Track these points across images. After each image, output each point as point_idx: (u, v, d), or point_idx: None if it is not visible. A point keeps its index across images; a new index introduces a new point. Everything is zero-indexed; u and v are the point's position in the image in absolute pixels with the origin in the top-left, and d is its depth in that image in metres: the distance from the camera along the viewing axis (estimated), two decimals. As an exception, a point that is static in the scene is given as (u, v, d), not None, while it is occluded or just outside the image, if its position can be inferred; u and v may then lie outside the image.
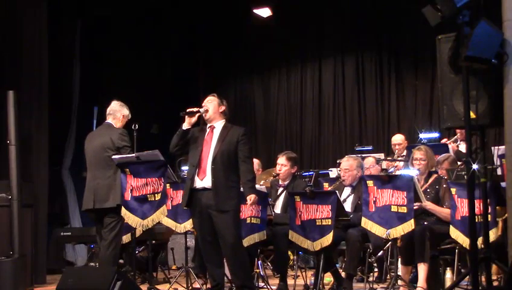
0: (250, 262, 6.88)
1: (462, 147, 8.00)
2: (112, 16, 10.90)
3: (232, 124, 6.18)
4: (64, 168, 10.52)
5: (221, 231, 5.82)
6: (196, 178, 5.94)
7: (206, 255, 6.10)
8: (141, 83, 11.59)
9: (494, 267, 5.94)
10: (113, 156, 6.36)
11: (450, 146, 8.03)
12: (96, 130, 6.88)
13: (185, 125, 6.05)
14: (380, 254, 6.67)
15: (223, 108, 6.13)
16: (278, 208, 7.10)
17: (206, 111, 6.06)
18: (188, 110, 6.07)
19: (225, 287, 6.19)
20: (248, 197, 5.85)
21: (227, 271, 6.20)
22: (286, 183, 7.19)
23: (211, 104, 6.09)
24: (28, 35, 8.51)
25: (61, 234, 9.30)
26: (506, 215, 5.62)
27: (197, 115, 6.07)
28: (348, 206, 6.74)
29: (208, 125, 6.11)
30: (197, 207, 5.96)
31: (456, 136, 8.38)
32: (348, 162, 6.98)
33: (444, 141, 8.74)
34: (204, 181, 5.90)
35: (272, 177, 7.56)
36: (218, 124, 6.09)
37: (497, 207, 5.63)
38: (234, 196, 5.88)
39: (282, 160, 7.23)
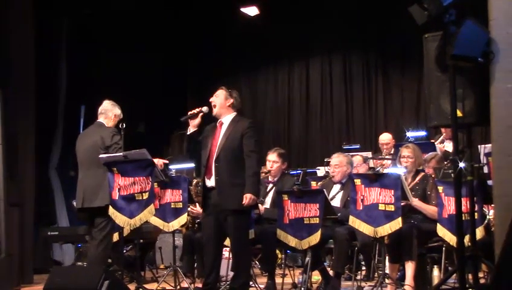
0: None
1: (448, 146, 8.03)
2: (99, 15, 10.85)
3: (240, 117, 6.08)
4: (51, 167, 10.48)
5: (227, 232, 5.83)
6: (206, 179, 5.94)
7: (205, 254, 6.04)
8: (128, 81, 11.54)
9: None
10: (100, 155, 6.34)
11: (437, 147, 8.04)
12: (88, 130, 6.86)
13: (190, 129, 6.01)
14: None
15: (230, 101, 6.02)
16: (267, 205, 7.10)
17: (214, 107, 5.99)
18: (188, 113, 6.03)
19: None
20: (244, 196, 5.71)
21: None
22: (275, 179, 7.18)
23: (218, 98, 6.00)
24: (14, 34, 8.45)
25: (48, 233, 9.26)
26: (486, 221, 5.69)
27: (200, 115, 6.00)
28: (337, 203, 6.75)
29: (218, 121, 6.05)
30: (207, 206, 5.97)
31: (441, 137, 8.38)
32: (338, 158, 7.00)
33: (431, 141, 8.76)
34: (211, 180, 5.88)
35: (263, 175, 7.55)
36: (227, 119, 6.00)
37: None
38: (239, 194, 5.73)
39: (273, 157, 7.22)
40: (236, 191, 5.74)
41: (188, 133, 6.02)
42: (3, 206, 7.30)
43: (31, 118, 8.51)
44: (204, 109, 6.01)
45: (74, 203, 6.81)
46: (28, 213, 8.29)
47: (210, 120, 6.17)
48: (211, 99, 6.04)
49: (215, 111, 6.01)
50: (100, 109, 6.74)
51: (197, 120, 6.01)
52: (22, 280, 7.90)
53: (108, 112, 6.71)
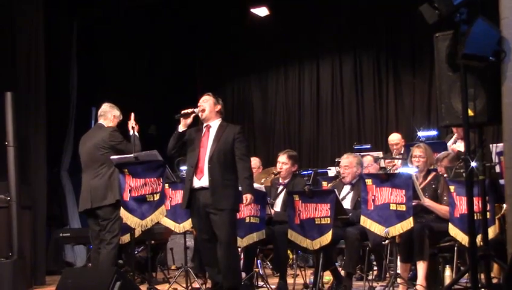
0: (249, 261, 6.90)
1: (461, 146, 7.98)
2: (109, 16, 10.87)
3: (227, 123, 6.17)
4: (62, 169, 10.51)
5: (217, 229, 5.80)
6: (194, 178, 5.93)
7: (204, 255, 6.11)
8: (139, 83, 11.57)
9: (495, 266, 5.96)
10: (112, 157, 6.39)
11: (449, 148, 8.00)
12: (89, 132, 6.93)
13: (181, 128, 6.04)
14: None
15: (218, 107, 6.11)
16: (277, 207, 7.10)
17: (203, 111, 6.05)
18: (182, 112, 6.07)
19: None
20: (244, 197, 5.83)
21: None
22: (286, 181, 7.19)
23: (207, 103, 6.07)
24: (24, 36, 8.50)
25: (60, 235, 9.29)
26: (502, 212, 5.65)
27: (193, 115, 6.07)
28: (347, 204, 6.74)
29: (204, 125, 6.10)
30: (195, 206, 5.94)
31: (454, 137, 8.33)
32: (347, 159, 6.99)
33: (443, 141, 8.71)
34: (202, 180, 5.89)
35: (272, 176, 7.55)
36: (214, 123, 6.07)
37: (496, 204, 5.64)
38: (231, 194, 5.84)
39: (283, 158, 7.23)
40: (229, 191, 5.84)
41: (180, 131, 6.05)
42: (15, 209, 7.33)
43: (42, 121, 8.54)
44: (196, 110, 6.07)
45: None
46: (40, 215, 8.32)
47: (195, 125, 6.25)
48: (199, 103, 6.11)
49: (204, 115, 6.06)
50: (99, 111, 6.83)
51: (189, 120, 6.08)
52: (34, 281, 7.93)
53: (108, 114, 6.78)
